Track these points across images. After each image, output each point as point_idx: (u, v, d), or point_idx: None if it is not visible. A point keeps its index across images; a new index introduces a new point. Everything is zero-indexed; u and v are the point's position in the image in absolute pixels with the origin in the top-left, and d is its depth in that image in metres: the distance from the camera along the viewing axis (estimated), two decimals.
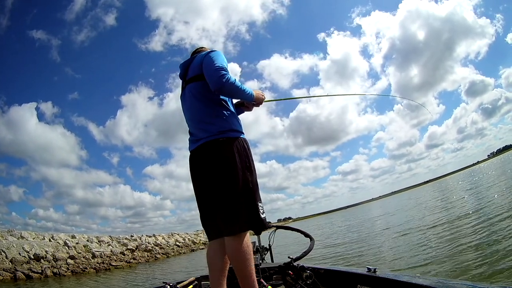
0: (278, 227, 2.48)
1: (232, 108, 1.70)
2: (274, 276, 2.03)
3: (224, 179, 1.52)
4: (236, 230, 1.49)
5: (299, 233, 2.35)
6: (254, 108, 1.92)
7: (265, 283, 1.90)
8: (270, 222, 2.43)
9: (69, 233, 21.62)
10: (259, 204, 1.56)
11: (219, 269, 1.57)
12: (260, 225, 1.54)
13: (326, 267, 1.92)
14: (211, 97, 1.64)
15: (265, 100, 1.87)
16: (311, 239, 2.22)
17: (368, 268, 1.56)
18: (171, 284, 2.02)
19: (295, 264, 2.01)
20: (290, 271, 1.97)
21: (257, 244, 2.36)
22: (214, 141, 1.56)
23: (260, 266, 2.02)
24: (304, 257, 2.09)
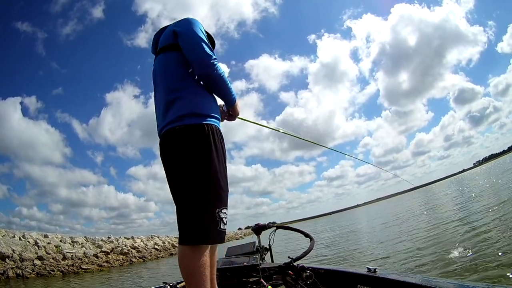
0: (278, 227, 2.47)
1: (202, 88, 1.37)
2: (274, 276, 2.01)
3: (177, 178, 1.26)
4: (186, 240, 1.20)
5: (299, 233, 2.35)
6: (227, 121, 1.65)
7: (265, 283, 1.87)
8: (274, 222, 2.43)
9: (54, 233, 20.50)
10: (219, 211, 1.24)
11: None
12: (215, 238, 1.23)
13: (326, 267, 1.93)
14: (175, 71, 1.35)
15: (238, 116, 1.64)
16: (311, 239, 2.23)
17: (368, 268, 1.57)
18: (171, 284, 1.96)
19: (295, 264, 2.00)
20: (290, 271, 1.96)
21: (257, 244, 2.34)
22: (169, 130, 1.28)
23: (260, 266, 1.99)
24: (304, 257, 2.09)
